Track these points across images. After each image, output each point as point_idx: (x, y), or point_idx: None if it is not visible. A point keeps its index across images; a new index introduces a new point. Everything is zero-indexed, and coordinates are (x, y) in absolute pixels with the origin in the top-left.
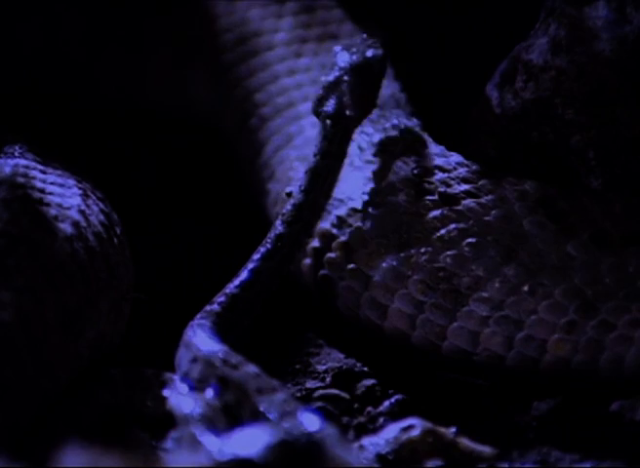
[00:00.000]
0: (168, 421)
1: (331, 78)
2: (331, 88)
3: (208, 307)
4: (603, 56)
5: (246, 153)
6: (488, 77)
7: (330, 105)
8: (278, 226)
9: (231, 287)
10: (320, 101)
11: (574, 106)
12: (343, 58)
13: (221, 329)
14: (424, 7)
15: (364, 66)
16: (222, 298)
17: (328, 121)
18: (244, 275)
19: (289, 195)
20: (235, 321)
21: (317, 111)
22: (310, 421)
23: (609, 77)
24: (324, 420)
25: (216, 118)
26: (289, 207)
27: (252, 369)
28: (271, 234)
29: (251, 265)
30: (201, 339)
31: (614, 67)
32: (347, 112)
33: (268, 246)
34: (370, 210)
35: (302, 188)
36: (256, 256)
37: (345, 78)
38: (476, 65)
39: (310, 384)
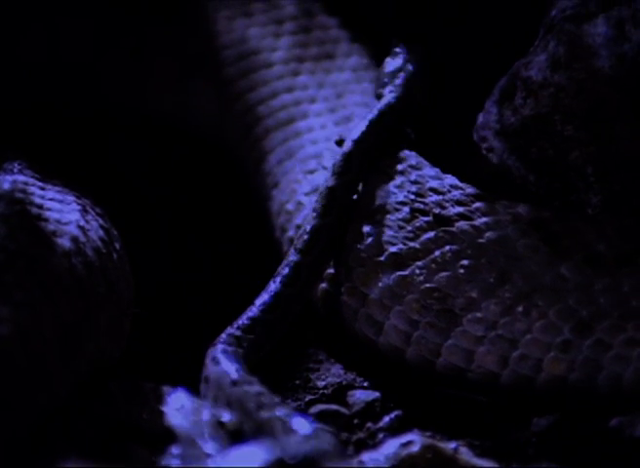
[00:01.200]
0: (167, 436)
1: (398, 64)
2: (394, 74)
3: (266, 292)
4: (602, 72)
5: (250, 161)
6: (487, 93)
7: (395, 89)
8: (329, 180)
9: (293, 251)
10: (383, 86)
11: (573, 123)
12: (406, 50)
13: (277, 315)
14: (423, 23)
15: (425, 57)
16: (286, 270)
17: (392, 95)
18: (305, 237)
19: (339, 143)
20: (297, 293)
21: (379, 93)
22: (302, 426)
23: (608, 94)
24: (315, 424)
25: (219, 128)
26: (339, 158)
27: (233, 366)
28: (322, 189)
29: (308, 226)
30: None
31: (613, 84)
32: (417, 98)
33: (323, 202)
34: (367, 229)
35: (354, 139)
36: (313, 214)
37: (409, 67)
38: (475, 82)
39: (310, 399)
